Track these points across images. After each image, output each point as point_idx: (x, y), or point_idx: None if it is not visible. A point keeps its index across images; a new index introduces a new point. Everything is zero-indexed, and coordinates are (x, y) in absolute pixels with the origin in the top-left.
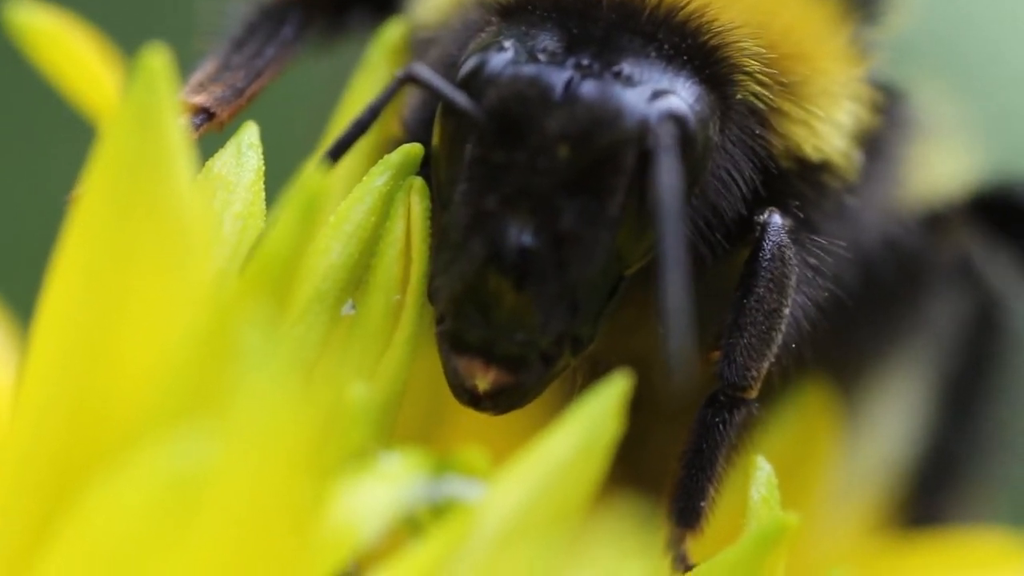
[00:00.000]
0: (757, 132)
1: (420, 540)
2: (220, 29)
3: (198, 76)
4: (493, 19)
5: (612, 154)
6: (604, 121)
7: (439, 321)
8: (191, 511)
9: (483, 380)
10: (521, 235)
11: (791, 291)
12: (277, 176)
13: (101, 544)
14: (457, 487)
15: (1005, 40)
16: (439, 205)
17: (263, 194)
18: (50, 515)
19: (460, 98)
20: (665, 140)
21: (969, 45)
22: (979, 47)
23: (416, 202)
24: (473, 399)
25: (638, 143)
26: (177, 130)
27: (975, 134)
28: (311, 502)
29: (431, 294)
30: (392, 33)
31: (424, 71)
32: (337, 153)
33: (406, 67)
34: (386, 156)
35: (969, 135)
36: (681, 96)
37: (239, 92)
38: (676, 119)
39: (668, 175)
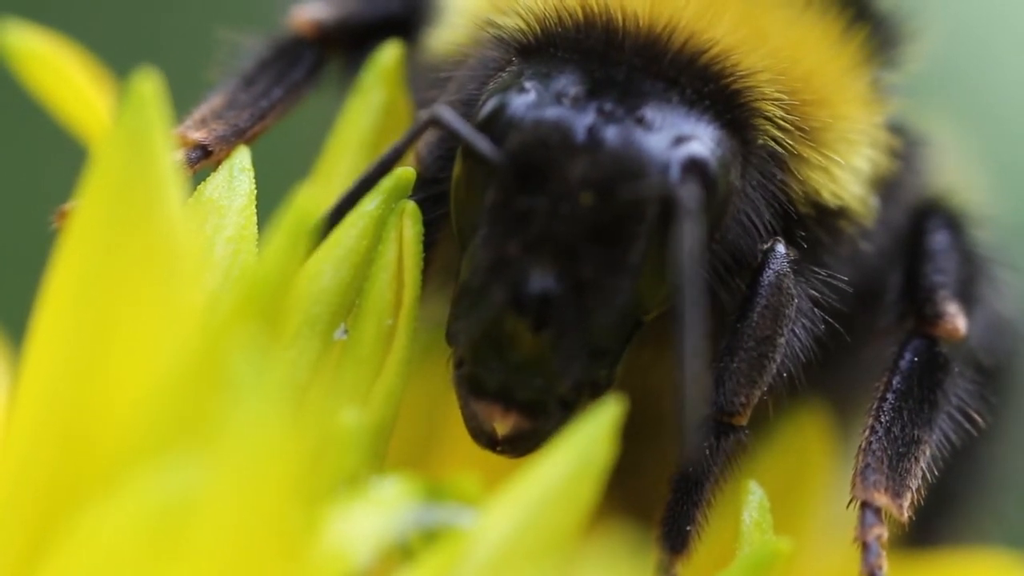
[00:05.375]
0: (777, 177)
1: (412, 566)
2: (231, 61)
3: (202, 111)
4: (513, 59)
5: (634, 202)
6: (627, 169)
7: (458, 365)
8: (182, 537)
9: (501, 425)
10: (542, 281)
11: (788, 321)
12: (269, 200)
13: (92, 571)
14: (449, 513)
15: (1012, 63)
16: (458, 245)
17: (255, 218)
18: (40, 541)
19: (483, 144)
20: (688, 204)
21: (984, 75)
22: (994, 77)
23: (408, 226)
24: (491, 442)
25: (660, 191)
26: (168, 154)
27: (989, 168)
28: (302, 528)
29: (450, 338)
30: (386, 57)
31: (448, 114)
32: (356, 197)
33: (431, 109)
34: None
35: (983, 171)
36: (703, 141)
37: (240, 132)
38: (698, 165)
39: (690, 240)
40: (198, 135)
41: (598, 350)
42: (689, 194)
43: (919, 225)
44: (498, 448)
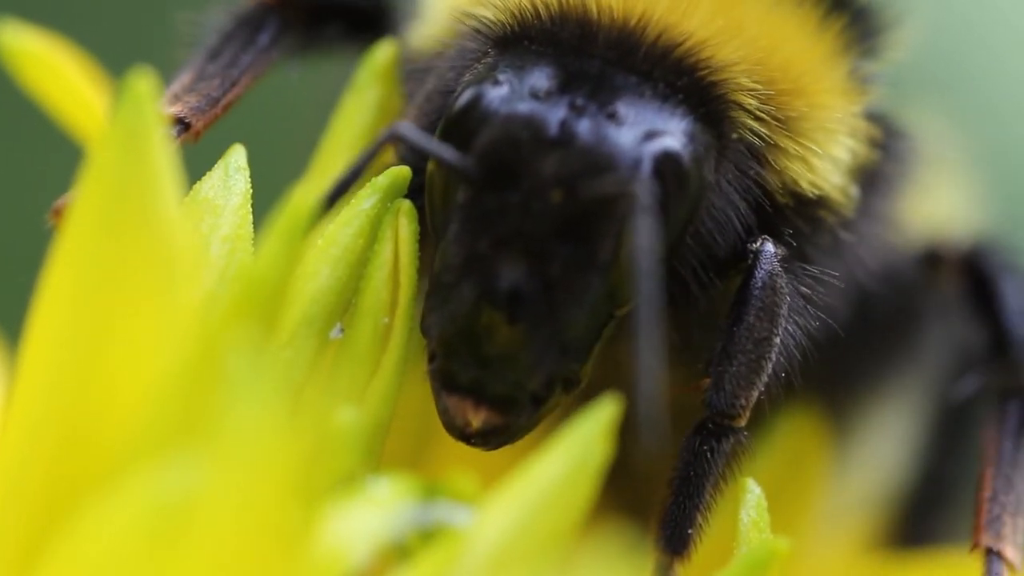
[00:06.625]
0: (753, 169)
1: (409, 566)
2: (196, 39)
3: (174, 87)
4: (490, 50)
5: (605, 199)
6: (597, 166)
7: (430, 359)
8: (180, 536)
9: (474, 419)
10: (513, 277)
11: (782, 320)
12: (265, 199)
13: (90, 570)
14: (446, 512)
15: (1014, 61)
16: (433, 238)
17: (251, 217)
18: (39, 540)
19: (449, 153)
20: (645, 199)
21: (978, 66)
22: (987, 68)
23: (404, 225)
24: (463, 436)
25: (627, 188)
26: (164, 153)
27: (980, 160)
28: (299, 527)
29: (423, 331)
30: (381, 55)
31: (408, 129)
32: (325, 209)
33: (391, 125)
34: (373, 179)
35: (973, 162)
36: (675, 136)
37: (214, 101)
38: (670, 160)
39: (645, 236)
40: (174, 110)
41: (570, 345)
42: (645, 189)
43: (977, 277)
44: (471, 441)
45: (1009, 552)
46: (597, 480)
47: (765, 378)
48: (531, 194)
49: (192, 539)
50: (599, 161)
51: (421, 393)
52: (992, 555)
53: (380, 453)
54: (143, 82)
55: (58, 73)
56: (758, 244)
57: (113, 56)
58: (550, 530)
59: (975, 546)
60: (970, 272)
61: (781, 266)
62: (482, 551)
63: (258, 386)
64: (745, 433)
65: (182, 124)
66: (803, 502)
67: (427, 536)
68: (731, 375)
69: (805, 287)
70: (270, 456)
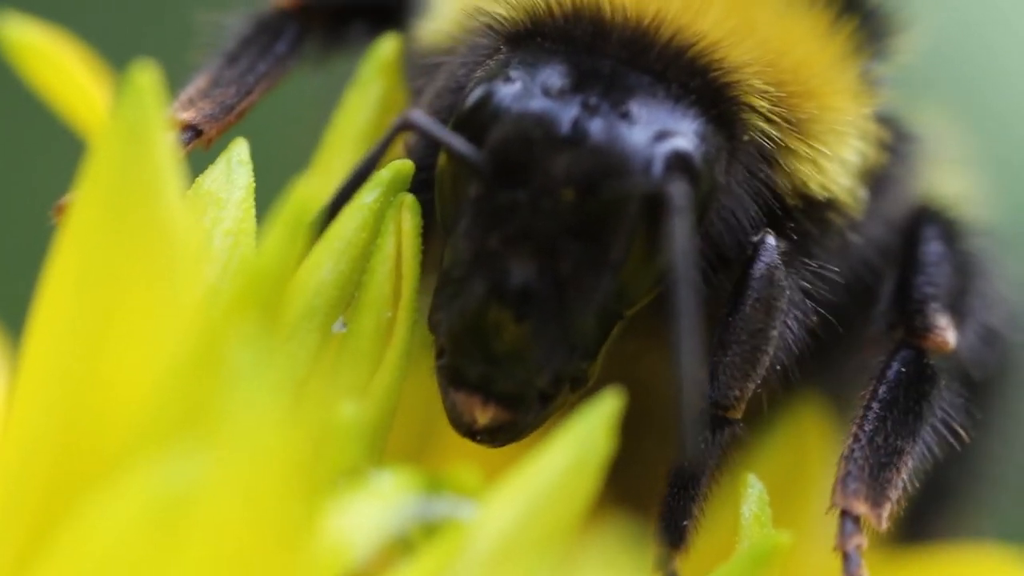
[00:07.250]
0: (763, 171)
1: (412, 559)
2: (215, 42)
3: (188, 91)
4: (502, 47)
5: (617, 199)
6: (610, 166)
7: (439, 355)
8: (182, 530)
9: (481, 416)
10: (522, 275)
11: (780, 313)
12: (267, 193)
13: (92, 563)
14: (449, 506)
15: (1014, 62)
16: (443, 233)
17: (253, 211)
18: (41, 533)
19: (460, 144)
20: (679, 201)
21: (978, 67)
22: (988, 69)
23: (407, 219)
24: (470, 432)
25: (643, 188)
26: (166, 147)
27: (982, 161)
28: (302, 521)
29: (432, 327)
30: (385, 49)
31: (421, 118)
32: (337, 206)
33: (403, 113)
34: (377, 173)
35: (975, 164)
36: (687, 136)
37: (228, 109)
38: (681, 161)
39: (681, 238)
40: (187, 116)
41: (578, 344)
42: (679, 191)
43: (913, 233)
44: (478, 438)
45: (860, 508)
46: (600, 474)
47: (761, 370)
48: (542, 192)
49: (194, 532)
50: (612, 161)
51: (424, 387)
52: (845, 516)
53: (383, 447)
54: (145, 76)
55: (60, 66)
56: (759, 236)
57: (115, 49)
58: (553, 524)
59: (829, 509)
60: (907, 235)
61: (782, 259)
62: (485, 545)
63: (260, 380)
64: (741, 425)
65: (194, 131)
66: (805, 498)
67: (430, 530)
68: (725, 365)
69: (805, 281)
70: (273, 449)
